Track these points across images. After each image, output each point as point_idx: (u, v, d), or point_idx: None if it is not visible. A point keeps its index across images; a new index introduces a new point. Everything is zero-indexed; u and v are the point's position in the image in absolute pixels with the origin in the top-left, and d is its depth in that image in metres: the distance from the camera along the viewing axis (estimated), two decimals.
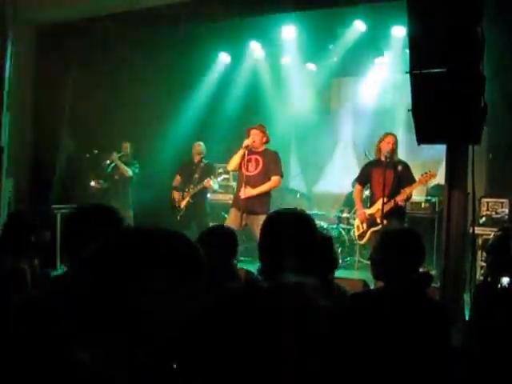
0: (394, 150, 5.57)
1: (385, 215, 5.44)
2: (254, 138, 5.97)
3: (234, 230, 3.42)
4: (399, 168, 5.54)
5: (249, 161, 5.99)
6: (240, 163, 6.00)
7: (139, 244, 1.01)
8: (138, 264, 0.97)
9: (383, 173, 5.41)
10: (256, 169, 5.97)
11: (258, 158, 6.00)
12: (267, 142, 6.11)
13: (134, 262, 0.98)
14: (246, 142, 5.96)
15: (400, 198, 5.47)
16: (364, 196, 6.35)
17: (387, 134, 5.71)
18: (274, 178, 5.95)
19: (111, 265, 0.98)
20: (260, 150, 6.05)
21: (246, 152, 5.95)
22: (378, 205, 5.55)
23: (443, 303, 3.66)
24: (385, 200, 5.43)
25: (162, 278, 0.97)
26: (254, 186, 5.90)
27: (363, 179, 5.90)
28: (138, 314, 0.96)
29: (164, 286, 0.97)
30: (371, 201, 5.75)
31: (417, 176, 5.71)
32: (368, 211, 5.77)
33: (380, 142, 5.69)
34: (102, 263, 0.99)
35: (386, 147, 5.55)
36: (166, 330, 0.98)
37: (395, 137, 5.63)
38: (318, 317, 1.16)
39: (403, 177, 5.55)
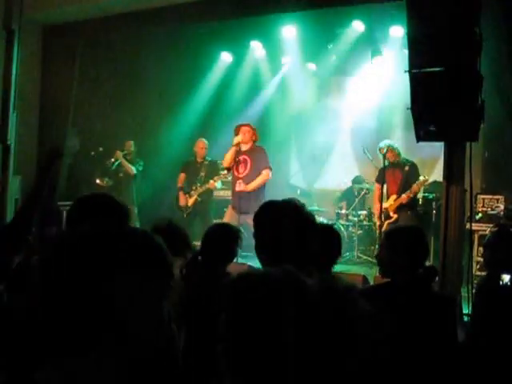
0: (396, 157, 6.47)
1: (397, 208, 6.47)
2: (244, 134, 6.15)
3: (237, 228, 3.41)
4: (406, 168, 6.47)
5: (238, 162, 6.17)
6: (233, 163, 6.19)
7: (111, 243, 1.00)
8: (111, 263, 0.96)
9: (392, 173, 6.52)
10: (245, 169, 6.16)
11: (246, 157, 6.18)
12: (256, 140, 6.29)
13: (107, 260, 0.97)
14: (237, 140, 6.15)
15: (407, 194, 6.35)
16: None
17: (388, 148, 6.39)
18: (264, 172, 6.13)
19: (84, 263, 0.96)
20: (248, 148, 6.22)
21: (237, 151, 6.17)
22: (390, 200, 6.56)
23: (451, 295, 3.74)
24: (395, 197, 6.51)
25: (132, 277, 0.97)
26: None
27: (380, 180, 6.66)
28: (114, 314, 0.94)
29: (135, 285, 0.97)
30: (386, 197, 6.59)
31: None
32: (384, 205, 6.39)
33: (386, 153, 6.39)
34: (75, 260, 0.96)
35: (391, 157, 6.45)
36: (145, 331, 0.98)
37: (393, 147, 6.45)
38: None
39: (410, 175, 6.44)
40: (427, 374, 2.34)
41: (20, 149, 6.55)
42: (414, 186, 6.34)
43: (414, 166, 6.52)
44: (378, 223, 6.84)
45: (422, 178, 6.36)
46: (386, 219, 6.45)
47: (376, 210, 6.76)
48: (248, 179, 6.09)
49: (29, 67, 6.86)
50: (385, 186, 6.58)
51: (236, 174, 6.15)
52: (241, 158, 6.17)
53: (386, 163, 6.42)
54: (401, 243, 2.58)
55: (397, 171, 6.52)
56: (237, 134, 6.22)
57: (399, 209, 6.45)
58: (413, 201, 6.52)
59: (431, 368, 2.34)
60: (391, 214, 6.51)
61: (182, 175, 7.30)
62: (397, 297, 2.50)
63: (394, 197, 6.53)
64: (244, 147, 6.22)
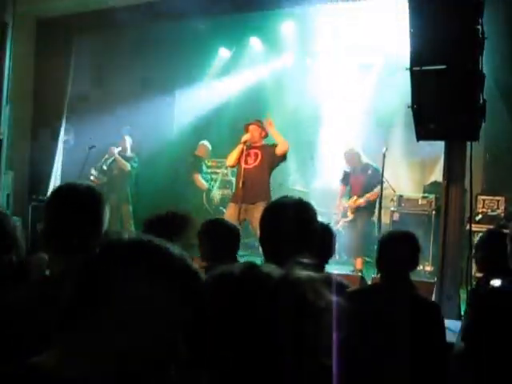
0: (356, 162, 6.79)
1: (355, 209, 6.78)
2: (252, 133, 6.04)
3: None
4: (369, 172, 6.70)
5: (248, 155, 6.04)
6: (239, 158, 6.05)
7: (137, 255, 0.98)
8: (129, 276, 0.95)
9: (356, 176, 6.83)
10: (255, 161, 6.02)
11: (258, 151, 6.06)
12: (266, 136, 6.18)
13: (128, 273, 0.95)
14: (245, 138, 6.01)
15: (367, 197, 6.61)
16: None
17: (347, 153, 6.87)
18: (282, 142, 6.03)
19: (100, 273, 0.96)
20: (259, 144, 6.12)
21: (245, 147, 6.00)
22: (351, 201, 6.87)
23: (433, 301, 3.71)
24: (355, 198, 6.81)
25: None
26: (252, 179, 5.93)
27: (344, 182, 7.10)
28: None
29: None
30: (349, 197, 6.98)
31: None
32: (345, 204, 6.99)
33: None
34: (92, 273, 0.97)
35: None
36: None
37: (354, 152, 6.83)
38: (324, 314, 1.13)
39: (371, 179, 6.62)
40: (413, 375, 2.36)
41: (13, 143, 6.48)
42: (372, 194, 6.54)
43: (376, 171, 6.57)
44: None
45: (376, 189, 6.46)
46: (342, 217, 6.98)
47: (337, 209, 7.22)
48: (256, 171, 5.96)
49: (22, 61, 6.77)
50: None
51: (244, 165, 5.98)
52: (251, 151, 6.06)
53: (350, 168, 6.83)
54: (389, 246, 2.70)
55: (360, 176, 6.79)
56: (246, 132, 6.13)
57: (358, 209, 6.74)
58: (371, 204, 6.73)
59: (417, 370, 2.36)
60: (349, 213, 6.89)
61: None
62: (379, 299, 2.58)
63: (354, 198, 6.87)
64: (255, 144, 6.12)
